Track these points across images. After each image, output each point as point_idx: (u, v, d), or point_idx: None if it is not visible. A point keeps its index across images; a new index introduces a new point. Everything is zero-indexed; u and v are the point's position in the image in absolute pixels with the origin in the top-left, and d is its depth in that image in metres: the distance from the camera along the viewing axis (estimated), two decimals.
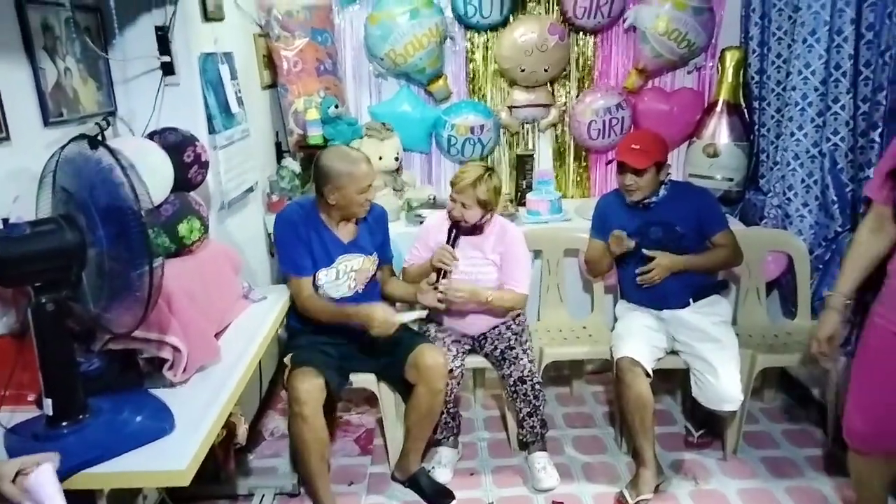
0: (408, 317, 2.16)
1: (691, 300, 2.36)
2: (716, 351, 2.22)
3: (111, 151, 1.32)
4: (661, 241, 2.36)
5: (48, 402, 1.32)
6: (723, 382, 2.15)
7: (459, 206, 2.29)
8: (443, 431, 2.43)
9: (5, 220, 1.24)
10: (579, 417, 2.79)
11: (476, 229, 2.37)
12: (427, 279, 2.30)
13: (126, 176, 1.28)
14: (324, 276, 2.21)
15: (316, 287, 2.21)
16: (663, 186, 2.37)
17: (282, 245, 2.20)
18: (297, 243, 2.17)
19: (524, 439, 2.41)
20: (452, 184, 2.33)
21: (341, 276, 2.23)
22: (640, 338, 2.31)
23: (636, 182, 2.30)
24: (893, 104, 2.21)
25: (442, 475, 2.38)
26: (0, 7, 1.54)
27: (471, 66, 3.24)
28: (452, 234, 2.33)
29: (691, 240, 2.37)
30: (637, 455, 2.29)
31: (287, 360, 2.15)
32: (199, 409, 1.51)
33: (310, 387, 2.00)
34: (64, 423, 1.34)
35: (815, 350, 1.88)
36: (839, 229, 2.52)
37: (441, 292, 2.23)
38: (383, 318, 2.08)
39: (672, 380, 2.80)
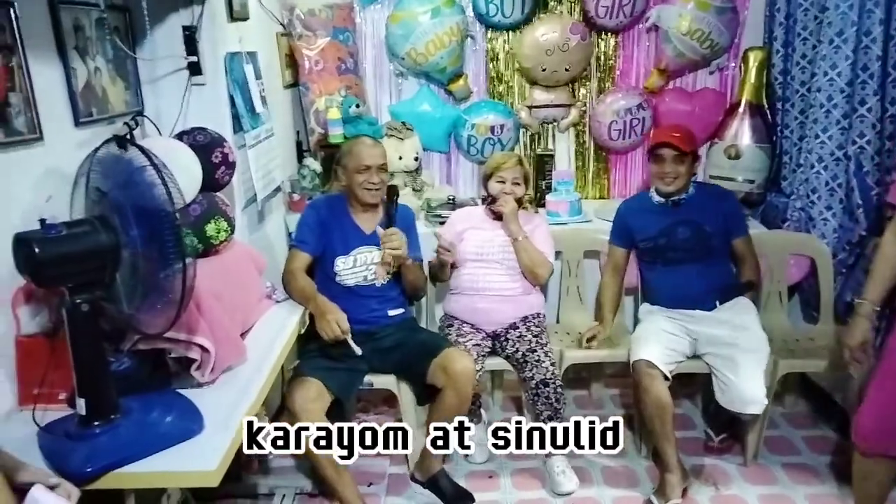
0: (351, 342, 2.08)
1: (717, 303, 2.35)
2: (741, 353, 2.20)
3: (144, 151, 1.33)
4: (689, 240, 2.35)
5: (81, 402, 1.33)
6: (747, 385, 2.14)
7: (510, 184, 2.44)
8: (467, 416, 2.42)
9: (42, 221, 1.25)
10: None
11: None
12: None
13: (160, 176, 1.29)
14: (341, 262, 2.27)
15: (334, 273, 2.26)
16: (692, 185, 2.39)
17: (300, 222, 2.31)
18: (311, 222, 2.28)
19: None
20: (497, 168, 2.46)
21: (359, 265, 2.28)
22: (658, 341, 2.30)
23: (675, 169, 2.32)
24: None
25: (479, 455, 2.48)
26: (34, 8, 1.55)
27: (491, 65, 3.23)
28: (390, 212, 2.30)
29: (718, 241, 2.37)
30: (659, 459, 2.28)
31: (289, 369, 2.16)
32: (227, 409, 1.51)
33: (304, 397, 2.01)
34: (96, 423, 1.35)
35: (848, 358, 1.87)
36: (864, 233, 2.49)
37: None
38: (333, 320, 2.04)
39: (692, 384, 2.78)
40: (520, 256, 2.43)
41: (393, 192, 2.30)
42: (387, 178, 2.31)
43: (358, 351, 2.09)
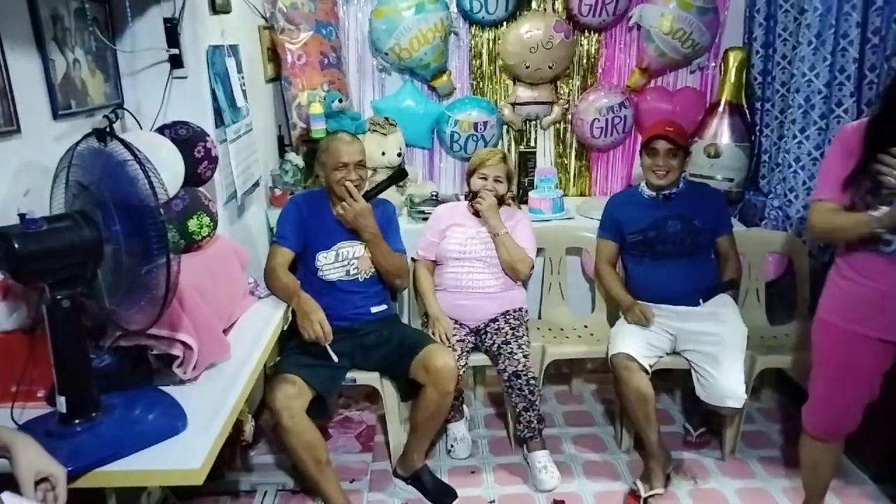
0: (328, 349, 2.07)
1: (702, 300, 2.38)
2: (721, 349, 2.24)
3: (126, 145, 1.31)
4: (679, 234, 2.39)
5: (61, 400, 1.31)
6: (727, 380, 2.18)
7: (492, 181, 2.45)
8: (450, 412, 2.43)
9: (22, 216, 1.22)
10: (579, 416, 2.81)
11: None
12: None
13: (144, 171, 1.27)
14: (322, 257, 2.27)
15: (316, 268, 2.25)
16: (682, 180, 2.45)
17: (280, 217, 2.31)
18: (291, 218, 2.28)
19: (521, 435, 2.42)
20: (480, 164, 2.47)
21: (340, 260, 2.28)
22: (637, 335, 2.32)
23: (668, 163, 2.37)
24: None
25: (462, 450, 2.49)
26: None
27: (475, 61, 3.23)
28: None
29: (705, 237, 2.41)
30: (643, 448, 2.32)
31: (270, 366, 2.15)
32: (211, 406, 1.50)
33: (285, 394, 2.00)
34: (77, 421, 1.32)
35: None
36: None
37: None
38: (317, 321, 2.04)
39: (671, 379, 2.82)
40: (499, 251, 2.44)
41: (401, 173, 2.42)
42: (365, 175, 2.29)
43: (335, 359, 2.08)
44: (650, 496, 2.22)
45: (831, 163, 1.83)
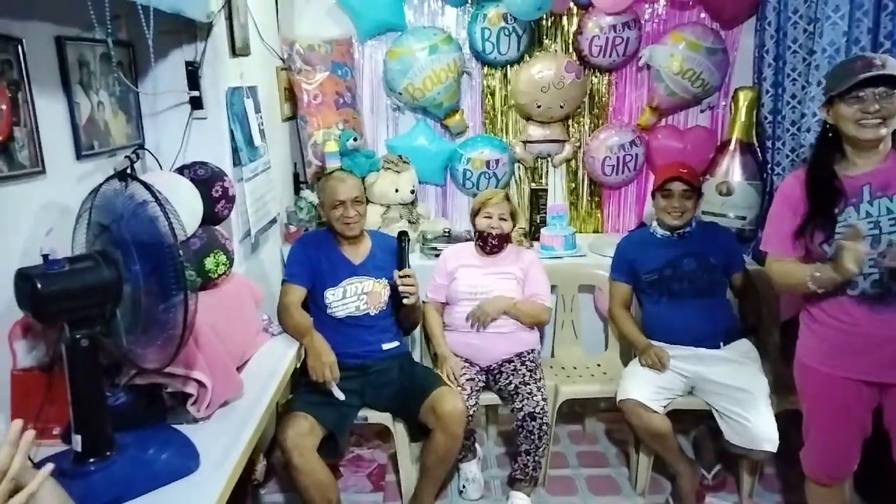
0: (334, 389, 2.10)
1: (722, 343, 2.36)
2: (749, 392, 2.21)
3: (146, 186, 1.34)
4: (695, 272, 2.40)
5: (77, 439, 1.31)
6: (762, 423, 2.16)
7: (497, 219, 2.48)
8: (461, 452, 2.41)
9: (45, 257, 1.24)
10: (592, 456, 2.77)
11: (498, 248, 2.51)
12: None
13: (163, 211, 1.30)
14: (331, 294, 2.28)
15: (325, 305, 2.26)
16: (694, 219, 2.47)
17: (289, 257, 2.34)
18: (301, 256, 2.32)
19: (514, 475, 2.39)
20: (483, 203, 2.50)
21: (349, 296, 2.29)
22: (647, 379, 2.30)
23: (683, 204, 2.40)
24: None
25: (474, 491, 2.47)
26: (42, 45, 1.57)
27: (487, 101, 3.28)
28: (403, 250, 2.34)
29: (720, 275, 2.42)
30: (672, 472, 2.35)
31: (282, 403, 2.15)
32: (224, 446, 1.50)
33: (296, 432, 2.00)
34: (91, 460, 1.32)
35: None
36: None
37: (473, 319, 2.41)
38: (327, 365, 2.06)
39: (683, 420, 2.77)
40: (521, 319, 2.46)
41: (402, 237, 2.33)
42: (364, 210, 2.32)
43: (340, 396, 2.09)
44: None
45: (777, 217, 1.86)
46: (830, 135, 1.78)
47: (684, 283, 2.40)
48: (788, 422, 2.77)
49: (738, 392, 2.21)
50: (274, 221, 2.66)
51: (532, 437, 2.30)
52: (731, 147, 3.09)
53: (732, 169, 3.08)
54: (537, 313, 2.48)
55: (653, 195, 2.52)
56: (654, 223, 2.51)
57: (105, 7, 1.44)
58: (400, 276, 2.25)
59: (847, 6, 2.43)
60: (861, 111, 1.67)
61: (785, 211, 1.83)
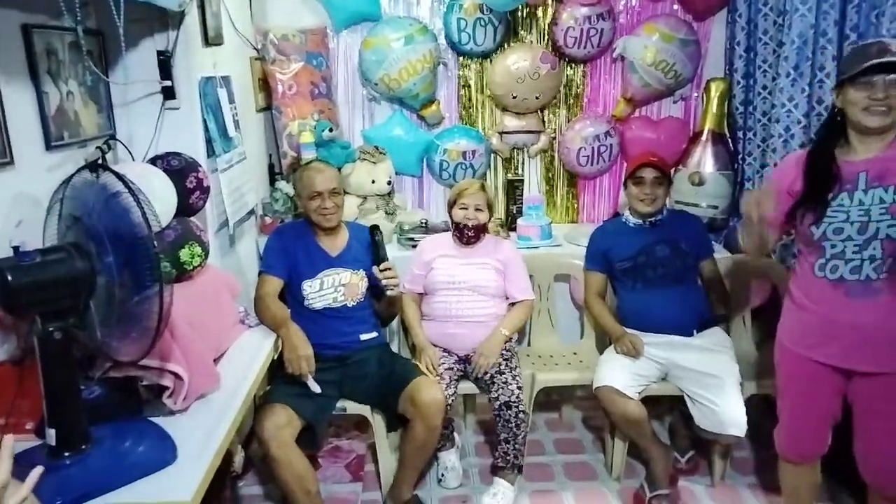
0: (310, 382, 2.11)
1: (695, 330, 2.40)
2: (719, 378, 2.25)
3: (119, 177, 1.32)
4: (668, 258, 2.44)
5: (51, 433, 1.30)
6: (729, 408, 2.20)
7: (473, 210, 2.47)
8: (440, 441, 2.42)
9: (16, 248, 1.23)
10: (569, 443, 2.81)
11: (475, 238, 2.52)
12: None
13: (137, 202, 1.28)
14: (307, 286, 2.28)
15: (302, 297, 2.26)
16: (665, 208, 2.51)
17: (265, 248, 2.34)
18: (277, 247, 2.31)
19: (496, 463, 2.42)
20: (459, 194, 2.50)
21: (325, 288, 2.29)
22: (623, 365, 2.33)
23: (654, 191, 2.43)
24: None
25: (453, 479, 2.49)
26: (7, 32, 1.53)
27: (463, 92, 3.28)
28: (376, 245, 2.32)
29: (692, 261, 2.46)
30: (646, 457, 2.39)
31: (259, 395, 2.15)
32: (201, 437, 1.49)
33: (274, 424, 2.00)
34: (66, 454, 1.31)
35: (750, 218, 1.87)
36: None
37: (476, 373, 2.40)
38: (300, 357, 2.06)
39: (659, 405, 2.83)
40: (513, 332, 2.50)
41: (374, 231, 2.32)
42: (341, 202, 2.31)
43: (316, 389, 2.09)
44: (655, 495, 2.28)
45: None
46: (839, 118, 1.78)
47: (658, 270, 2.44)
48: (760, 407, 2.85)
49: (709, 378, 2.26)
50: (252, 213, 2.64)
51: (510, 425, 2.33)
52: (704, 137, 3.14)
53: (705, 159, 3.13)
54: (524, 317, 2.56)
55: (624, 184, 2.55)
56: (627, 212, 2.55)
57: None
58: (381, 270, 2.25)
59: None
60: (869, 98, 1.67)
61: (781, 190, 1.84)
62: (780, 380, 1.99)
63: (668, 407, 2.77)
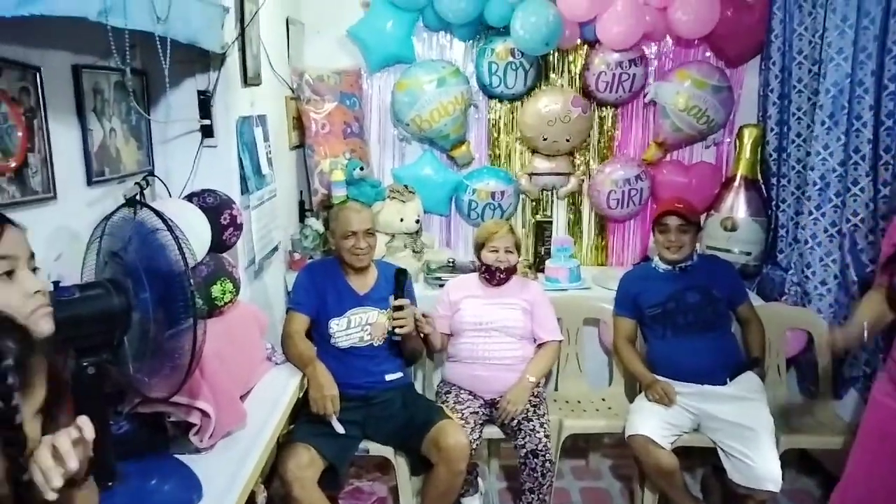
0: (334, 422, 2.09)
1: (728, 379, 2.34)
2: (754, 431, 2.18)
3: (157, 213, 1.34)
4: (699, 304, 2.39)
5: None
6: (764, 462, 2.12)
7: (503, 252, 2.46)
8: (463, 486, 2.36)
9: (56, 283, 1.24)
10: (596, 493, 2.73)
11: (506, 279, 2.50)
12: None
13: (175, 239, 1.30)
14: (335, 324, 2.27)
15: (329, 335, 2.25)
16: (695, 253, 2.47)
17: (295, 285, 2.34)
18: (307, 284, 2.32)
19: None
20: (488, 237, 2.48)
21: (352, 327, 2.28)
22: (655, 414, 2.28)
23: (680, 238, 2.39)
24: None
25: None
26: (59, 72, 1.58)
27: (493, 133, 3.31)
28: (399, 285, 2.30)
29: (724, 307, 2.42)
30: None
31: (283, 434, 2.13)
32: (227, 477, 1.48)
33: (297, 464, 1.98)
34: None
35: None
36: None
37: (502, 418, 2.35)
38: (329, 399, 2.05)
39: (690, 457, 2.74)
40: (540, 378, 2.46)
41: (400, 274, 2.30)
42: (374, 242, 2.32)
43: (340, 430, 2.08)
44: None
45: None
46: None
47: (689, 317, 2.39)
48: (794, 461, 2.76)
49: (743, 430, 2.19)
50: (276, 249, 2.66)
51: (535, 474, 2.27)
52: (736, 183, 3.12)
53: (737, 205, 3.09)
54: (551, 360, 2.52)
55: (652, 230, 2.53)
56: (656, 258, 2.52)
57: (125, 37, 1.46)
58: (393, 307, 2.23)
59: (850, 49, 2.47)
60: None
61: (888, 241, 1.83)
62: (865, 436, 1.86)
63: (700, 460, 2.68)
